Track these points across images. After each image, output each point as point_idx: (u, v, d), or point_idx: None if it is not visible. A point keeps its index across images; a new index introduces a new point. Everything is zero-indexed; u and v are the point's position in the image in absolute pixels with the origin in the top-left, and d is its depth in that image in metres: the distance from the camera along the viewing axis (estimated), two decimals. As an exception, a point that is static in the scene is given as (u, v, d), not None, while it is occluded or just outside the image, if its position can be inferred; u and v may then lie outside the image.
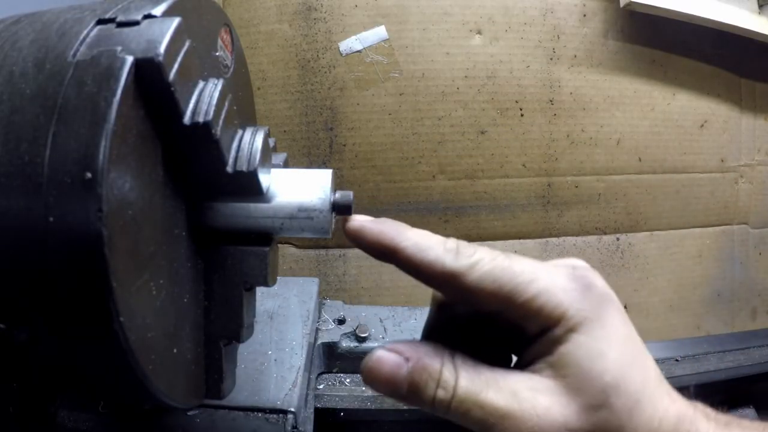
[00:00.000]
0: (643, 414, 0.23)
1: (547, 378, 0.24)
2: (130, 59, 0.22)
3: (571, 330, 0.24)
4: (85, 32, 0.24)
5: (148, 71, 0.23)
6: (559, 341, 0.24)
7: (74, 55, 0.23)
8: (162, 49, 0.23)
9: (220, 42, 0.33)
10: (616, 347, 0.24)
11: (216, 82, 0.27)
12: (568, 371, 0.23)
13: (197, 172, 0.28)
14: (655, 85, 0.80)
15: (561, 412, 0.23)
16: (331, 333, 0.53)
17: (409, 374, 0.24)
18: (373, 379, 0.25)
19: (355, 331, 0.52)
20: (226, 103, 0.27)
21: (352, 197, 0.29)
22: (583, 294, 0.25)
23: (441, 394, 0.24)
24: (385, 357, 0.25)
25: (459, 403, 0.24)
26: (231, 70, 0.36)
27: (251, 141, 0.29)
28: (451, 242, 0.26)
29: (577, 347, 0.24)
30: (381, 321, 0.55)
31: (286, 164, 0.35)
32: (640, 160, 0.81)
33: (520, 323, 0.25)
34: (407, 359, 0.25)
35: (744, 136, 0.85)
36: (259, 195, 0.29)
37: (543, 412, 0.23)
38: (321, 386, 0.50)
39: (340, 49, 0.73)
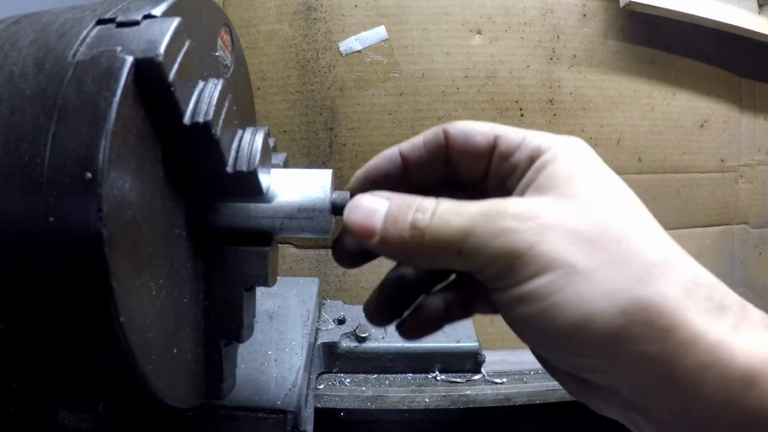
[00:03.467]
0: None
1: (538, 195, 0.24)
2: (130, 59, 0.22)
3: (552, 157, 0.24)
4: (85, 32, 0.24)
5: (148, 71, 0.23)
6: (543, 165, 0.24)
7: (74, 55, 0.23)
8: (162, 49, 0.23)
9: (220, 42, 0.33)
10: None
11: (216, 82, 0.27)
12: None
13: (197, 172, 0.28)
14: (655, 85, 0.80)
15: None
16: (331, 333, 0.53)
17: (389, 208, 0.24)
18: (353, 217, 0.25)
19: (355, 331, 0.52)
20: (226, 103, 0.27)
21: (348, 197, 0.29)
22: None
23: (419, 216, 0.23)
24: (366, 197, 0.25)
25: (438, 218, 0.23)
26: (231, 70, 0.36)
27: (251, 141, 0.29)
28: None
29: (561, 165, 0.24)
30: (381, 321, 0.55)
31: (286, 164, 0.35)
32: (640, 160, 0.81)
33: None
34: (388, 198, 0.25)
35: (744, 136, 0.85)
36: (259, 195, 0.29)
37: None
38: (321, 386, 0.50)
39: (340, 49, 0.73)
